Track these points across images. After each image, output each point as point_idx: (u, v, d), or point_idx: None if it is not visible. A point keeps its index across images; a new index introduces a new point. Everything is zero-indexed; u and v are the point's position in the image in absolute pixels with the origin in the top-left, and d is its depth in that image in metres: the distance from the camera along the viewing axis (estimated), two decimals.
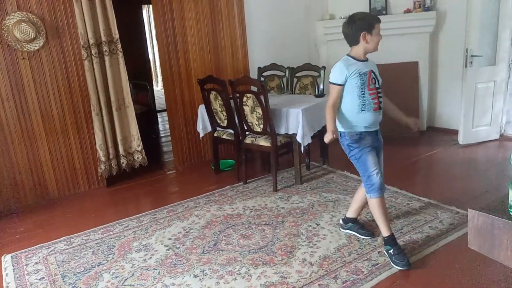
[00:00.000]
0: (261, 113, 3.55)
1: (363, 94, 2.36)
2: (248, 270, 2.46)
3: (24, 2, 3.47)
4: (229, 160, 4.56)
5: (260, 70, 4.73)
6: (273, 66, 4.70)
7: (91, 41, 3.72)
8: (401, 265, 2.36)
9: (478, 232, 1.55)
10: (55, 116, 3.74)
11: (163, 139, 6.08)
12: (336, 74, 2.38)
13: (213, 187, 3.89)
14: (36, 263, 2.70)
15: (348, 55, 2.44)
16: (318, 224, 3.01)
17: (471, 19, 4.28)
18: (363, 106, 2.37)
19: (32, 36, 3.49)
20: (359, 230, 2.78)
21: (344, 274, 2.35)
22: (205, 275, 2.44)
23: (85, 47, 3.71)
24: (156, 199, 3.75)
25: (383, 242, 2.52)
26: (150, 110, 6.06)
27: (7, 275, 2.57)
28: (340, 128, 2.48)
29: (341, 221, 2.89)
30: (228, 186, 3.87)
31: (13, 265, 2.69)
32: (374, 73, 2.41)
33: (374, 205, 2.46)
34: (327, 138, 2.38)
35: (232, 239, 2.86)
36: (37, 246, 2.92)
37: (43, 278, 2.52)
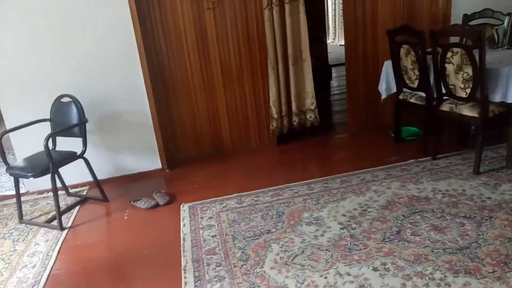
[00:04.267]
0: (471, 74, 2.76)
1: None
2: (445, 276, 1.94)
3: None
4: (412, 128, 3.87)
5: (467, 18, 3.75)
6: (486, 13, 3.67)
7: None
8: None
9: None
10: (233, 69, 3.69)
11: (334, 97, 5.66)
12: None
13: (394, 158, 3.33)
14: (210, 218, 2.71)
15: None
16: None
17: None
18: None
19: None
20: None
21: None
22: (388, 271, 2.01)
23: None
24: (327, 164, 3.43)
25: None
26: (324, 65, 5.66)
27: (184, 226, 2.65)
28: None
29: None
30: (412, 160, 3.26)
31: (190, 216, 2.77)
32: None
33: None
34: None
35: (420, 229, 2.34)
36: (211, 200, 2.95)
37: (215, 236, 2.49)
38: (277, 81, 3.69)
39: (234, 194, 2.98)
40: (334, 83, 6.41)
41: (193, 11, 3.48)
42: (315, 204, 2.73)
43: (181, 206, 2.90)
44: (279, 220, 2.59)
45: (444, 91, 3.07)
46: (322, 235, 2.38)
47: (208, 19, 3.53)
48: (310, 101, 3.83)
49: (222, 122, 3.81)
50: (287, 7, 3.55)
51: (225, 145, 3.88)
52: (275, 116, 3.76)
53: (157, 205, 2.95)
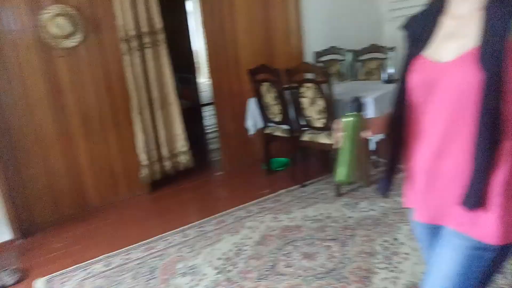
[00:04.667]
0: (324, 106, 3.02)
1: None
2: None
3: None
4: (281, 159, 4.05)
5: (317, 55, 4.16)
6: (332, 50, 4.12)
7: (131, 33, 3.35)
8: None
9: None
10: (94, 118, 3.42)
11: (208, 136, 5.70)
12: None
13: (266, 191, 3.41)
14: None
15: None
16: (396, 239, 2.48)
17: None
18: None
19: (69, 31, 3.18)
20: None
21: None
22: None
23: (124, 40, 3.35)
24: (203, 206, 3.35)
25: None
26: (196, 105, 5.69)
27: None
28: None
29: None
30: (282, 190, 3.38)
31: None
32: None
33: None
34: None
35: (293, 260, 2.39)
36: (73, 267, 2.59)
37: None
38: (143, 127, 3.54)
39: (101, 256, 2.67)
40: (212, 120, 6.48)
41: (40, 60, 3.14)
42: (189, 252, 2.61)
43: (33, 282, 2.48)
44: (152, 277, 2.39)
45: (303, 122, 3.30)
46: (198, 284, 2.26)
47: (61, 68, 3.24)
48: (181, 144, 3.76)
49: (85, 176, 3.45)
50: (148, 51, 3.49)
51: (90, 200, 3.50)
52: (145, 163, 3.57)
53: (4, 287, 2.49)
